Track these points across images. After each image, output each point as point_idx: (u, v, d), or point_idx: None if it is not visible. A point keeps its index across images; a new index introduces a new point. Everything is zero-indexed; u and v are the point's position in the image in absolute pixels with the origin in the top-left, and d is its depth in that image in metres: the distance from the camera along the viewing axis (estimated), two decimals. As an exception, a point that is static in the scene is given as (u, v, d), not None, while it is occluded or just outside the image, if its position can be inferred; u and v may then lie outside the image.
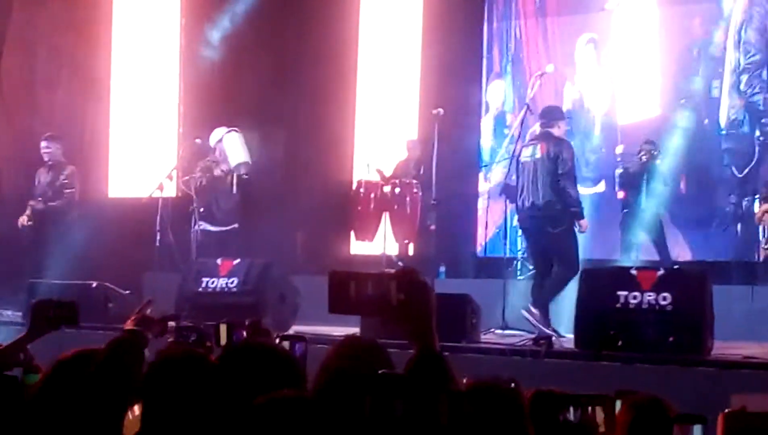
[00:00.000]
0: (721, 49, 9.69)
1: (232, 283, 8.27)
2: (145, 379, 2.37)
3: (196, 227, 9.37)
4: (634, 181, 9.17)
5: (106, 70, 11.78)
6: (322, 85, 10.72)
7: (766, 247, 8.60)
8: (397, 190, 9.08)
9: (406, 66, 10.83)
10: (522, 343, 7.16)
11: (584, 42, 10.49)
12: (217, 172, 9.29)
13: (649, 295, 6.58)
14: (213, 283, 8.33)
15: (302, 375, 2.41)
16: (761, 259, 8.74)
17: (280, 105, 10.68)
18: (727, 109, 9.69)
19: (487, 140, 10.86)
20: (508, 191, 9.43)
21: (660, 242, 9.39)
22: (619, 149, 10.08)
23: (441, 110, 8.88)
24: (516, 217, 8.59)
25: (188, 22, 11.49)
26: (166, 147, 11.20)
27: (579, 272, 7.35)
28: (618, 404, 2.37)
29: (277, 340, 2.85)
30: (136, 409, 2.44)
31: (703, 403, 2.15)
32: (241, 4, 10.80)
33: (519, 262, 9.56)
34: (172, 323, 3.16)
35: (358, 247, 9.90)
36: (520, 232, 9.35)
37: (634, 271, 6.82)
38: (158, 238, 9.61)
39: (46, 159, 10.10)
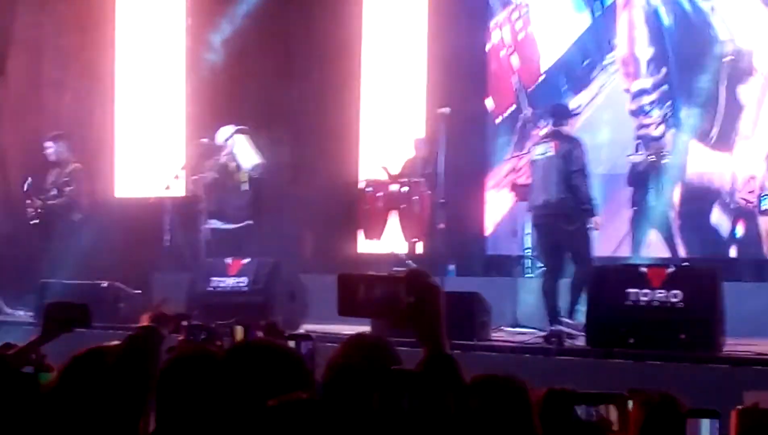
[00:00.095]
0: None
1: (241, 282, 8.28)
2: (160, 377, 2.37)
3: (205, 226, 9.38)
4: (642, 178, 9.15)
5: (112, 70, 11.79)
6: (328, 84, 10.72)
7: None
8: (405, 188, 9.07)
9: (413, 64, 10.81)
10: (532, 340, 7.14)
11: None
12: (228, 169, 9.26)
13: (660, 293, 6.56)
14: (222, 282, 8.34)
15: (308, 373, 2.41)
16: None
17: (287, 104, 10.68)
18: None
19: (495, 138, 10.86)
20: (516, 189, 9.44)
21: (670, 239, 9.37)
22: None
23: (448, 109, 8.87)
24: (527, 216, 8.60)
25: (194, 23, 11.50)
26: (173, 147, 11.20)
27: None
28: (630, 403, 2.36)
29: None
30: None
31: (715, 400, 2.14)
32: (244, 5, 10.81)
33: (529, 260, 9.55)
34: (184, 322, 3.17)
35: (366, 245, 9.89)
36: (528, 229, 9.37)
37: (644, 269, 6.80)
38: (167, 238, 9.62)
39: (51, 159, 10.12)
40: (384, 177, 9.49)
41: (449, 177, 8.79)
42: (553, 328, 7.36)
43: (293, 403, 1.90)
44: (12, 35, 11.46)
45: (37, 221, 9.93)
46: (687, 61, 9.90)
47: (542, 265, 8.51)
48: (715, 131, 9.61)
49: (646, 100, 10.11)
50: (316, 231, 10.66)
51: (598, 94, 10.33)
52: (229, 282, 8.33)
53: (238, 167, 9.25)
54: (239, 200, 9.30)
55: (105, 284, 8.62)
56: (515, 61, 10.87)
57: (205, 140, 9.84)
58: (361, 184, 9.53)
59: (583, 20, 10.53)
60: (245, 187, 9.19)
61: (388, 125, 10.81)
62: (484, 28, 10.88)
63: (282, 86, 10.65)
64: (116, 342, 2.87)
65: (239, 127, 9.30)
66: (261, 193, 9.46)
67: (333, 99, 10.72)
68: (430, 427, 1.73)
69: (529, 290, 8.44)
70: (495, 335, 7.51)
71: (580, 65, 10.47)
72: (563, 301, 7.64)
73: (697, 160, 9.48)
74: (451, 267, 9.92)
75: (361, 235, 9.68)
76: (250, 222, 9.35)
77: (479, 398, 1.98)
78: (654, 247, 9.31)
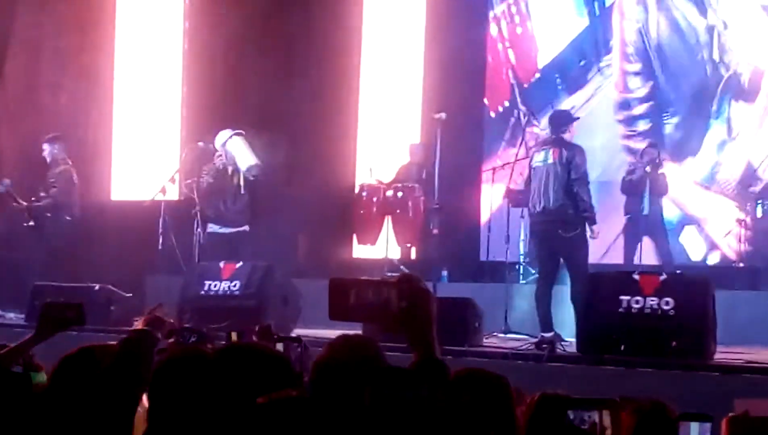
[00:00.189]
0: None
1: (234, 286, 8.26)
2: (153, 378, 2.38)
3: (199, 229, 9.36)
4: (637, 188, 9.17)
5: (109, 73, 11.79)
6: (324, 88, 10.72)
7: None
8: (400, 194, 9.08)
9: (410, 69, 10.83)
10: (524, 347, 7.15)
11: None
12: (225, 173, 9.24)
13: (652, 300, 6.57)
14: (215, 286, 8.32)
15: (296, 375, 2.41)
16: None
17: (283, 108, 10.68)
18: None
19: (490, 144, 10.88)
20: (510, 195, 9.44)
21: (662, 247, 9.39)
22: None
23: (443, 114, 8.88)
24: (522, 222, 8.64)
25: (191, 26, 11.51)
26: (169, 150, 11.20)
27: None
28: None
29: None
30: (144, 401, 2.45)
31: (706, 408, 2.15)
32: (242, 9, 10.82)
33: (521, 266, 9.55)
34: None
35: (360, 250, 9.89)
36: (522, 235, 9.38)
37: (636, 276, 6.81)
38: (161, 241, 9.61)
39: (47, 160, 10.10)
40: (370, 179, 9.48)
41: (444, 182, 8.80)
42: (545, 334, 7.37)
43: (282, 400, 1.91)
44: (10, 36, 11.45)
45: (32, 223, 9.90)
46: (675, 78, 9.95)
47: (536, 271, 8.51)
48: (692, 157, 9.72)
49: (633, 112, 10.16)
50: (310, 235, 10.66)
51: (593, 97, 10.35)
52: (222, 286, 8.31)
53: (236, 171, 9.24)
54: (237, 204, 9.28)
55: (97, 287, 8.60)
56: (511, 56, 10.86)
57: (201, 144, 9.82)
58: (356, 189, 9.54)
59: (581, 19, 10.52)
60: (243, 190, 9.17)
61: (384, 130, 10.82)
62: (483, 27, 10.88)
63: (278, 90, 10.65)
64: (112, 342, 2.87)
65: (236, 131, 9.29)
66: (257, 197, 9.45)
67: (330, 103, 10.72)
68: (419, 420, 1.74)
69: (521, 296, 8.45)
70: (487, 341, 7.51)
71: (577, 65, 10.47)
72: (555, 308, 7.63)
73: (675, 180, 9.54)
74: (445, 272, 9.93)
75: (355, 239, 9.69)
76: (246, 228, 9.32)
77: (463, 391, 2.00)
78: (646, 255, 9.33)
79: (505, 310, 8.08)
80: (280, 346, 2.96)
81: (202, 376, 2.21)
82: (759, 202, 9.08)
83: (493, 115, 10.86)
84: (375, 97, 10.97)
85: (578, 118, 8.11)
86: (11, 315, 9.50)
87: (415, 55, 10.83)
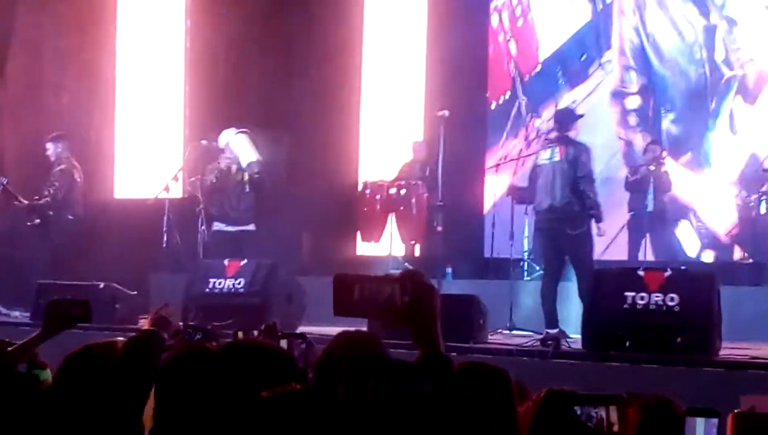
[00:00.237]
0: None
1: (239, 283, 8.27)
2: (158, 375, 2.38)
3: (203, 227, 9.36)
4: (641, 185, 9.17)
5: (111, 71, 11.80)
6: (327, 86, 10.72)
7: None
8: (403, 191, 9.08)
9: (412, 67, 10.82)
10: (529, 343, 7.15)
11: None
12: (229, 171, 9.23)
13: (657, 296, 6.56)
14: (220, 283, 8.33)
15: (299, 371, 2.41)
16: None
17: (286, 106, 10.68)
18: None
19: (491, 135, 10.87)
20: (514, 192, 9.43)
21: (667, 244, 9.38)
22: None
23: (446, 112, 8.88)
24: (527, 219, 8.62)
25: (193, 25, 11.51)
26: (172, 148, 11.20)
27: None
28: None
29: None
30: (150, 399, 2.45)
31: (711, 404, 2.14)
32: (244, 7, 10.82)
33: (526, 263, 9.55)
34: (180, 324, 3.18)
35: (364, 248, 9.89)
36: (526, 232, 9.37)
37: (641, 272, 6.80)
38: (165, 239, 9.61)
39: (51, 160, 10.11)
40: (383, 178, 9.49)
41: (447, 179, 8.79)
42: (550, 330, 7.37)
43: (287, 393, 1.91)
44: (12, 36, 11.46)
45: (37, 222, 9.91)
46: (672, 75, 9.94)
47: (542, 268, 8.51)
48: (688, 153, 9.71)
49: (630, 106, 10.15)
50: (314, 233, 10.66)
51: (594, 91, 10.33)
52: (227, 283, 8.32)
53: (240, 169, 9.24)
54: (243, 203, 9.27)
55: (102, 285, 8.60)
56: (512, 47, 10.84)
57: (204, 142, 9.83)
58: (360, 187, 9.53)
59: (584, 12, 10.49)
60: (248, 189, 9.16)
61: (387, 127, 10.82)
62: (485, 19, 10.86)
63: (281, 88, 10.65)
64: (121, 338, 2.87)
65: (241, 130, 9.29)
66: (261, 195, 9.46)
67: (332, 101, 10.72)
68: (421, 413, 1.74)
69: (526, 293, 8.45)
70: (492, 338, 7.51)
71: (578, 59, 10.45)
72: (560, 305, 7.63)
73: (673, 176, 9.54)
74: (449, 269, 9.93)
75: (359, 237, 9.69)
76: (252, 226, 9.32)
77: (464, 384, 2.00)
78: (651, 251, 9.32)
79: (510, 307, 8.07)
80: (284, 344, 2.97)
81: (206, 373, 2.21)
82: (763, 198, 9.06)
83: (493, 106, 10.84)
84: (377, 95, 10.97)
85: (583, 115, 8.10)
86: (16, 313, 9.51)
87: (417, 52, 10.83)
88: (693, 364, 6.19)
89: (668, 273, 6.76)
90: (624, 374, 6.19)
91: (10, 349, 3.30)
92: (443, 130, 8.77)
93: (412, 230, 9.17)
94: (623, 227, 9.51)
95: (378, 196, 9.09)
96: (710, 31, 9.76)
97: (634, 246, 9.43)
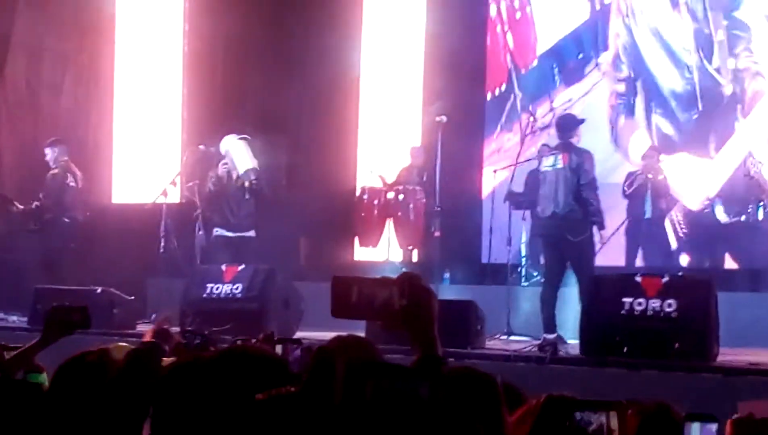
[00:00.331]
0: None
1: (236, 288, 8.26)
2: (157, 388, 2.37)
3: (201, 232, 9.36)
4: (638, 192, 9.17)
5: (109, 75, 11.80)
6: (325, 91, 10.73)
7: None
8: (401, 196, 9.09)
9: (410, 68, 10.83)
10: (527, 349, 7.15)
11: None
12: (229, 178, 9.22)
13: (654, 302, 6.57)
14: (218, 288, 8.32)
15: (293, 375, 2.41)
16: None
17: (284, 111, 10.69)
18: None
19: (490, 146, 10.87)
20: (511, 198, 9.44)
21: (664, 250, 9.39)
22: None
23: (444, 117, 8.89)
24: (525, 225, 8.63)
25: (191, 28, 11.52)
26: (170, 153, 11.21)
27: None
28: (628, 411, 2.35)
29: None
30: None
31: (708, 410, 2.14)
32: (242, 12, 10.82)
33: (523, 269, 9.55)
34: (177, 329, 3.17)
35: (362, 253, 9.89)
36: (524, 237, 9.38)
37: (639, 278, 6.81)
38: (162, 244, 9.60)
39: (50, 164, 10.11)
40: (380, 184, 9.50)
41: (445, 185, 8.80)
42: (547, 335, 7.37)
43: (281, 396, 1.91)
44: (11, 39, 11.46)
45: (35, 227, 9.90)
46: (662, 78, 9.96)
47: (542, 274, 8.51)
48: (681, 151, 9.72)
49: (622, 106, 10.16)
50: (312, 238, 10.66)
51: (590, 92, 10.32)
52: (224, 288, 8.31)
53: (239, 176, 9.24)
54: (243, 210, 9.26)
55: (99, 290, 8.60)
56: (510, 40, 10.84)
57: (202, 146, 9.83)
58: (358, 192, 9.54)
59: (582, 11, 10.46)
60: (247, 195, 9.16)
61: (384, 133, 10.82)
62: (483, 15, 10.86)
63: (279, 92, 10.66)
64: (118, 345, 2.86)
65: (241, 136, 9.28)
66: (260, 201, 9.46)
67: (330, 105, 10.73)
68: (418, 415, 1.74)
69: (523, 299, 8.44)
70: (489, 343, 7.51)
71: (575, 58, 10.44)
72: (558, 310, 7.63)
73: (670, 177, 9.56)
74: (446, 275, 9.93)
75: (356, 242, 9.69)
76: (252, 233, 9.31)
77: (452, 387, 2.00)
78: (649, 257, 9.33)
79: (507, 313, 8.07)
80: (279, 349, 2.96)
81: (199, 381, 2.21)
82: (760, 204, 9.07)
83: (489, 97, 10.84)
84: (375, 100, 10.98)
85: (584, 120, 8.07)
86: (13, 318, 9.50)
87: (415, 56, 10.83)
88: (690, 369, 6.20)
89: (666, 279, 6.76)
90: (621, 380, 6.19)
91: (9, 356, 3.30)
92: (441, 135, 8.78)
93: (410, 235, 9.18)
94: (616, 230, 9.50)
95: (376, 202, 9.10)
96: (701, 38, 9.77)
97: (631, 252, 9.43)
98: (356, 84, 10.95)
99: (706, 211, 9.63)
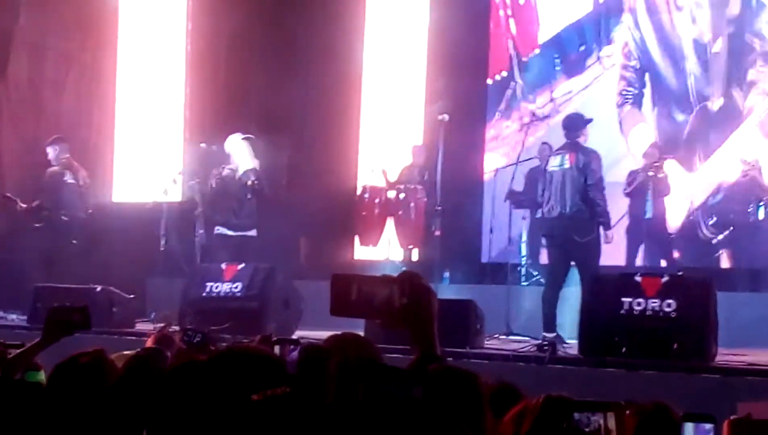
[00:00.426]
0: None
1: (236, 287, 8.26)
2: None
3: (201, 231, 9.36)
4: (639, 191, 9.17)
5: (112, 74, 11.81)
6: (327, 90, 10.73)
7: None
8: (402, 195, 9.09)
9: (412, 71, 10.83)
10: (526, 348, 7.15)
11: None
12: (232, 178, 9.22)
13: (654, 302, 6.56)
14: (217, 287, 8.32)
15: (291, 377, 2.41)
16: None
17: (286, 109, 10.69)
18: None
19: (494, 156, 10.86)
20: (512, 197, 9.44)
21: (665, 249, 9.39)
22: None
23: (446, 116, 8.89)
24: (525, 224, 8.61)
25: (194, 27, 11.52)
26: (171, 152, 11.21)
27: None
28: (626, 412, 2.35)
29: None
30: None
31: (707, 410, 2.14)
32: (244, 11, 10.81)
33: (523, 268, 9.55)
34: (176, 327, 3.18)
35: (362, 252, 9.90)
36: (524, 237, 9.37)
37: (638, 278, 6.80)
38: (162, 242, 9.61)
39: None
40: (382, 182, 9.49)
41: (446, 184, 8.80)
42: (547, 334, 7.38)
43: (277, 396, 1.92)
44: (13, 37, 11.46)
45: (38, 225, 9.90)
46: (666, 77, 9.95)
47: (542, 274, 8.51)
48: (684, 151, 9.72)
49: (626, 103, 10.15)
50: (312, 237, 10.66)
51: (591, 86, 10.31)
52: (224, 287, 8.31)
53: (240, 175, 9.23)
54: (245, 209, 9.26)
55: (99, 289, 8.60)
56: (512, 26, 10.81)
57: (203, 145, 9.83)
58: (359, 191, 9.54)
59: (586, 2, 10.39)
60: (250, 195, 9.16)
61: (386, 132, 10.82)
62: (485, 34, 10.86)
63: (281, 91, 10.66)
64: (127, 352, 2.86)
65: (245, 136, 9.28)
66: (261, 200, 9.46)
67: (332, 104, 10.73)
68: (410, 416, 1.75)
69: (523, 298, 8.45)
70: (488, 343, 7.51)
71: (576, 49, 10.41)
72: (557, 310, 7.63)
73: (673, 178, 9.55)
74: (446, 274, 9.93)
75: (357, 241, 9.69)
76: (254, 232, 9.31)
77: (436, 387, 2.01)
78: (649, 256, 9.33)
79: (507, 312, 8.07)
80: (277, 350, 2.97)
81: (196, 383, 2.22)
82: (761, 203, 9.07)
83: (490, 82, 10.83)
84: (377, 99, 10.98)
85: (591, 120, 8.05)
86: (13, 316, 9.50)
87: (418, 53, 10.83)
88: (689, 370, 6.19)
89: (665, 279, 6.76)
90: (620, 380, 6.19)
91: (10, 357, 3.31)
92: (443, 134, 8.78)
93: (410, 234, 9.18)
94: (615, 224, 9.49)
95: (377, 200, 9.10)
96: (699, 47, 9.77)
97: (631, 251, 9.43)
98: (358, 82, 10.95)
99: (706, 206, 9.65)
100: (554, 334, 7.38)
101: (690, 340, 6.41)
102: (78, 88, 11.75)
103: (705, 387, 5.91)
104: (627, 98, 10.16)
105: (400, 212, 9.05)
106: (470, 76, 10.57)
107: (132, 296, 8.85)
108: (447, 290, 8.90)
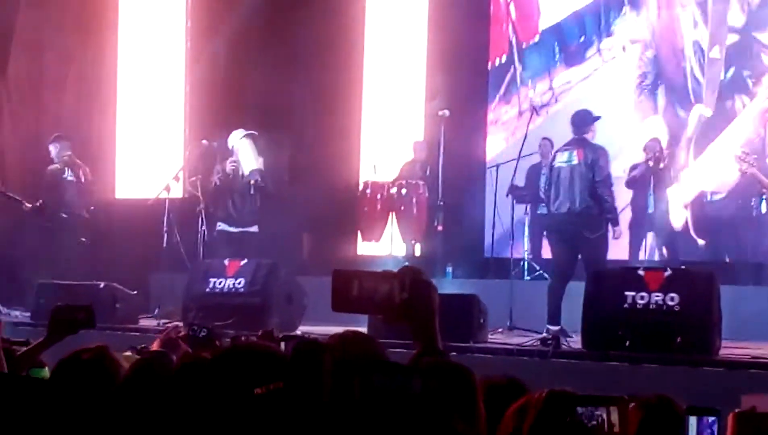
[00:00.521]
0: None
1: (239, 283, 8.27)
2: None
3: (203, 227, 9.36)
4: (641, 183, 9.16)
5: (112, 71, 11.80)
6: (327, 86, 10.73)
7: None
8: (404, 191, 9.08)
9: (413, 67, 10.82)
10: (529, 343, 7.15)
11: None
12: (234, 174, 9.21)
13: (657, 296, 6.57)
14: (220, 283, 8.33)
15: (286, 371, 2.42)
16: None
17: (287, 106, 10.68)
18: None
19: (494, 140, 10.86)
20: (514, 192, 9.43)
21: (668, 243, 9.38)
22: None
23: (447, 111, 8.88)
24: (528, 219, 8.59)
25: (194, 25, 11.52)
26: (173, 148, 11.21)
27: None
28: (630, 405, 2.35)
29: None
30: None
31: (711, 403, 2.15)
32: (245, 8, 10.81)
33: (526, 263, 9.55)
34: (180, 323, 3.19)
35: (364, 247, 9.89)
36: (526, 231, 9.37)
37: (641, 272, 6.81)
38: (165, 238, 9.61)
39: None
40: (383, 178, 9.48)
41: (447, 179, 8.79)
42: (551, 327, 7.38)
43: (279, 390, 1.92)
44: (13, 35, 11.46)
45: (49, 224, 9.91)
46: (668, 72, 9.93)
47: (544, 268, 8.50)
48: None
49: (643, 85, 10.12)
50: (315, 233, 10.67)
51: (590, 77, 10.28)
52: (227, 283, 8.32)
53: (244, 173, 9.23)
54: (247, 205, 9.26)
55: (102, 285, 8.62)
56: (513, 11, 10.78)
57: (205, 141, 9.83)
58: (361, 186, 9.54)
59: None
60: (253, 191, 9.16)
61: (387, 127, 10.82)
62: (485, 30, 10.85)
63: (281, 88, 10.65)
64: (128, 353, 2.86)
65: (249, 132, 9.27)
66: (264, 197, 9.46)
67: (333, 100, 10.73)
68: (408, 410, 1.75)
69: (526, 292, 8.44)
70: (492, 337, 7.52)
71: (577, 39, 10.38)
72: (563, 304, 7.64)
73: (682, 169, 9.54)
74: (449, 269, 9.93)
75: (359, 236, 9.69)
76: (255, 228, 9.31)
77: (430, 380, 2.01)
78: (652, 250, 9.32)
79: (510, 307, 8.07)
80: (284, 346, 2.97)
81: (202, 379, 2.22)
82: (763, 197, 9.06)
83: (489, 66, 10.80)
84: (378, 95, 10.98)
85: (600, 117, 8.02)
86: (16, 313, 9.52)
87: (418, 50, 10.82)
88: (693, 363, 6.20)
89: (668, 272, 6.77)
90: (624, 374, 6.19)
91: (16, 355, 3.31)
92: (444, 129, 8.77)
93: (413, 230, 9.18)
94: (627, 226, 9.50)
95: (379, 196, 9.10)
96: (698, 50, 9.75)
97: (634, 245, 9.42)
98: (359, 78, 10.94)
99: (707, 201, 9.64)
100: (558, 327, 7.39)
101: (693, 334, 6.41)
102: (79, 86, 11.74)
103: (709, 380, 5.91)
104: (642, 87, 10.13)
105: (402, 208, 9.04)
106: (471, 61, 10.56)
107: (135, 292, 8.86)
108: (450, 285, 8.90)
